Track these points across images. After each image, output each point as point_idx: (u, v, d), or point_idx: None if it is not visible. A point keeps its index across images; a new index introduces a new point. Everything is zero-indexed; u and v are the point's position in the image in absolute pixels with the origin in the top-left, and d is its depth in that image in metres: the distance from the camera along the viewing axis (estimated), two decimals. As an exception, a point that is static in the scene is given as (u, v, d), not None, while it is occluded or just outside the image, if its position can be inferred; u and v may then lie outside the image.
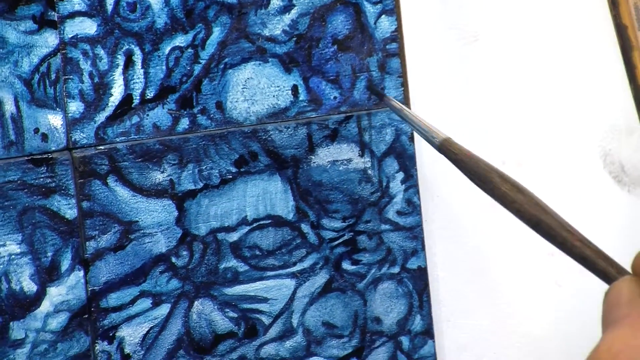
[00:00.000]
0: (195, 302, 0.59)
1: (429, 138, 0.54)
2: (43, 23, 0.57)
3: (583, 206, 0.66)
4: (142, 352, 0.59)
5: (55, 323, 0.56)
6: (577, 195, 0.66)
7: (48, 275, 0.56)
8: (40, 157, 0.55)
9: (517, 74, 0.66)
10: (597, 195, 0.66)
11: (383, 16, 0.63)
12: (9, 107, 0.56)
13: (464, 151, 0.51)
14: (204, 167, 0.60)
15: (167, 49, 0.59)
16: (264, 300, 0.61)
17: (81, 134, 0.57)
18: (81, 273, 0.56)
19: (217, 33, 0.60)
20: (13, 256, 0.56)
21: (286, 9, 0.61)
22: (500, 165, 0.66)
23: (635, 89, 0.69)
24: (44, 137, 0.56)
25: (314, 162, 0.62)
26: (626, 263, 0.57)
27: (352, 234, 0.63)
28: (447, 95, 0.62)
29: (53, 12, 0.57)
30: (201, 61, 0.60)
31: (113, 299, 0.57)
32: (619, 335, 0.40)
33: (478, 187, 0.49)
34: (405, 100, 0.62)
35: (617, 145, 0.65)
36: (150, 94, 0.58)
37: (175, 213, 0.59)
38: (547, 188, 0.67)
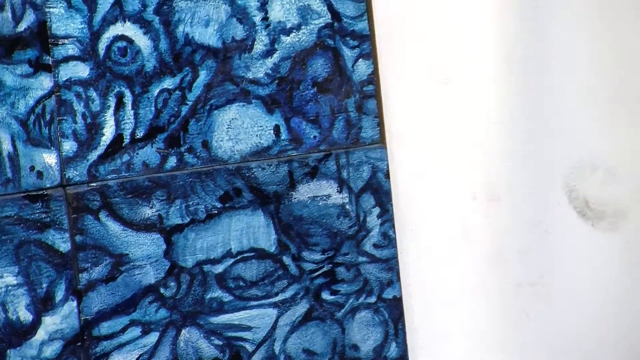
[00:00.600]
0: (183, 331, 0.62)
1: None
2: (38, 67, 0.60)
3: (549, 238, 0.70)
4: (132, 378, 0.64)
5: (50, 351, 0.60)
6: (543, 228, 0.70)
7: (43, 305, 0.59)
8: (35, 193, 0.59)
9: (486, 113, 0.70)
10: (562, 228, 0.70)
11: (360, 60, 0.66)
12: (6, 146, 0.59)
13: None
14: (190, 203, 0.63)
15: (156, 91, 0.63)
16: (248, 328, 0.64)
17: (74, 172, 0.60)
18: (74, 303, 0.59)
19: (203, 76, 0.64)
20: (10, 287, 0.59)
21: (269, 53, 0.65)
22: (472, 200, 0.70)
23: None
24: (39, 174, 0.59)
25: (295, 198, 0.66)
26: (591, 297, 0.61)
27: (331, 265, 0.66)
28: (421, 134, 0.66)
29: (48, 57, 0.60)
30: (188, 102, 0.63)
31: (105, 327, 0.60)
32: None
33: None
34: (381, 139, 0.66)
35: (582, 181, 0.70)
36: (140, 134, 0.62)
37: (164, 246, 0.62)
38: (516, 221, 0.71)
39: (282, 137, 0.65)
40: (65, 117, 0.60)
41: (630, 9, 0.73)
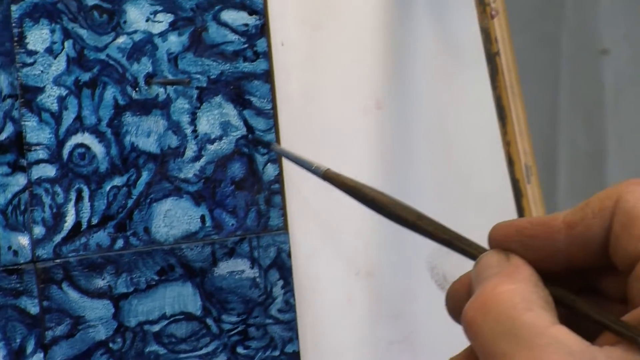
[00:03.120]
0: None
1: (313, 170, 0.64)
2: (15, 168, 0.68)
3: (416, 305, 0.80)
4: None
5: (23, 393, 0.68)
6: (411, 297, 0.79)
7: (17, 356, 0.68)
8: (12, 268, 0.68)
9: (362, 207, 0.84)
10: (426, 297, 0.82)
11: (269, 164, 0.75)
12: (-11, 231, 0.68)
13: (343, 176, 0.58)
14: (134, 276, 0.72)
15: (108, 188, 0.71)
16: None
17: (43, 251, 0.69)
18: (42, 355, 0.69)
19: (145, 176, 0.72)
20: (-9, 342, 0.68)
21: (197, 158, 0.73)
22: (355, 275, 0.79)
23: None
24: (15, 253, 0.68)
25: (217, 273, 0.74)
26: (450, 350, 0.74)
27: (244, 326, 0.75)
28: (316, 222, 0.74)
29: (23, 160, 0.68)
30: (133, 196, 0.71)
31: (66, 374, 0.69)
32: (491, 285, 0.42)
33: (356, 200, 0.55)
34: (285, 226, 0.75)
35: (441, 260, 0.78)
36: (94, 221, 0.70)
37: (112, 310, 0.71)
38: (390, 291, 0.79)
39: (207, 225, 0.74)
40: (36, 208, 0.68)
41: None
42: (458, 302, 0.45)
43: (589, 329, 0.42)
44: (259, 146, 0.75)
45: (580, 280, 0.46)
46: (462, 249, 0.48)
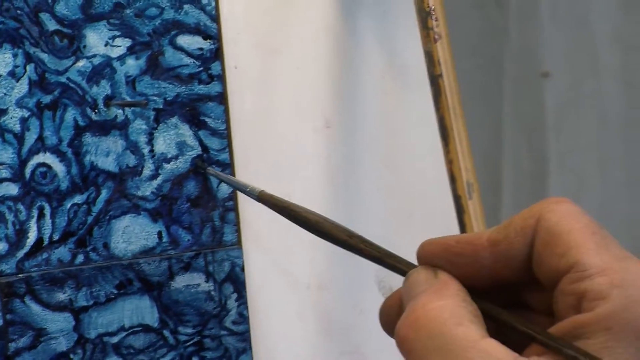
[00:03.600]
0: None
1: (248, 192, 0.64)
2: None
3: (364, 318, 0.79)
4: None
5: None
6: (359, 310, 0.80)
7: None
8: None
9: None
10: (374, 309, 0.85)
11: (222, 183, 0.76)
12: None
13: (276, 197, 0.60)
14: (94, 290, 0.72)
15: (69, 205, 0.72)
16: None
17: (6, 266, 0.70)
18: None
19: (104, 194, 0.73)
20: (-44, 355, 0.69)
21: (154, 176, 0.74)
22: (306, 289, 0.79)
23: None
24: None
25: (173, 286, 0.75)
26: None
27: (200, 337, 0.75)
28: (268, 238, 0.75)
29: None
30: (93, 214, 0.72)
31: (29, 384, 0.70)
32: (421, 302, 0.43)
33: (290, 221, 0.56)
34: (238, 242, 0.76)
35: (388, 274, 0.83)
36: (56, 237, 0.71)
37: (73, 322, 0.72)
38: (339, 305, 0.80)
39: (164, 240, 0.74)
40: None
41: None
42: (390, 318, 0.47)
43: (517, 341, 0.43)
44: (197, 170, 0.76)
45: (508, 295, 0.47)
46: (392, 265, 0.49)
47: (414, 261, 0.48)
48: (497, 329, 0.44)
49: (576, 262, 0.42)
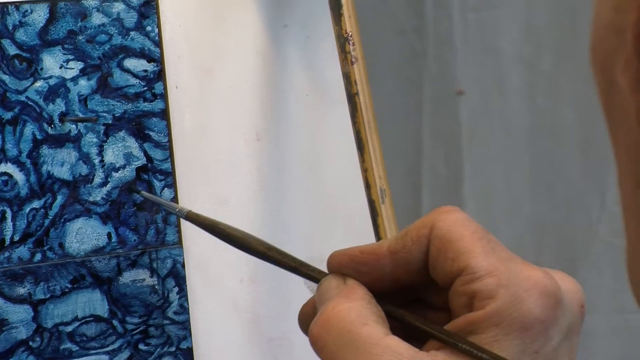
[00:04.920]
0: None
1: (177, 213, 0.68)
2: None
3: (292, 308, 0.80)
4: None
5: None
6: (288, 302, 0.83)
7: None
8: None
9: (248, 220, 0.84)
10: (301, 302, 0.88)
11: (166, 189, 0.80)
12: None
13: (202, 216, 0.63)
14: (50, 284, 0.75)
15: (28, 209, 0.75)
16: None
17: None
18: None
19: (59, 199, 0.76)
20: None
21: (104, 184, 0.78)
22: (239, 283, 0.82)
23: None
24: None
25: (121, 281, 0.78)
26: None
27: (145, 326, 0.78)
28: (205, 237, 0.74)
29: None
30: (49, 217, 0.75)
31: (-9, 369, 0.72)
32: (332, 304, 0.45)
33: (215, 236, 0.58)
34: (179, 242, 0.79)
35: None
36: (16, 238, 0.75)
37: (32, 313, 0.75)
38: (270, 297, 0.83)
39: (113, 240, 0.77)
40: (-35, 227, 0.70)
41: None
42: (307, 320, 0.49)
43: (418, 338, 0.46)
44: (131, 193, 0.80)
45: (410, 295, 0.50)
46: (306, 274, 0.52)
47: (326, 269, 0.50)
48: (400, 328, 0.47)
49: (466, 265, 0.45)
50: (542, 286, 0.43)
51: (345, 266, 0.49)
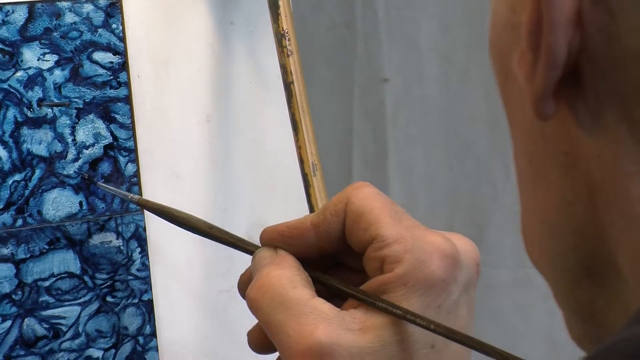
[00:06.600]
0: (25, 320, 0.80)
1: (129, 199, 0.71)
2: None
3: (238, 267, 0.84)
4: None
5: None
6: (234, 261, 0.87)
7: None
8: None
9: (210, 200, 0.87)
10: (244, 262, 0.97)
11: (129, 164, 0.84)
12: None
13: (151, 202, 0.63)
14: (30, 246, 0.80)
15: (10, 182, 0.79)
16: (63, 317, 0.82)
17: None
18: None
19: (38, 172, 0.80)
20: None
21: (76, 159, 0.82)
22: (195, 241, 0.98)
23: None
24: None
25: (91, 243, 0.82)
26: None
27: (112, 281, 0.82)
28: (168, 200, 0.92)
29: None
30: (29, 188, 0.80)
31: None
32: (265, 271, 0.46)
33: (163, 218, 0.59)
34: (141, 210, 0.84)
35: (254, 233, 0.96)
36: (0, 206, 0.80)
37: (14, 271, 0.79)
38: (219, 254, 0.88)
39: (84, 208, 0.81)
40: (-45, 198, 0.72)
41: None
42: (245, 287, 0.49)
43: (341, 298, 0.46)
44: (90, 184, 0.84)
45: (333, 261, 0.50)
46: (243, 248, 0.52)
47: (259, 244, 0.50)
48: (325, 291, 0.47)
49: (377, 234, 0.45)
50: (442, 249, 0.44)
51: (276, 240, 0.49)
